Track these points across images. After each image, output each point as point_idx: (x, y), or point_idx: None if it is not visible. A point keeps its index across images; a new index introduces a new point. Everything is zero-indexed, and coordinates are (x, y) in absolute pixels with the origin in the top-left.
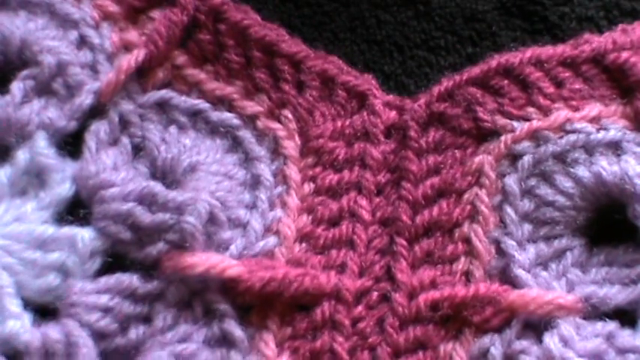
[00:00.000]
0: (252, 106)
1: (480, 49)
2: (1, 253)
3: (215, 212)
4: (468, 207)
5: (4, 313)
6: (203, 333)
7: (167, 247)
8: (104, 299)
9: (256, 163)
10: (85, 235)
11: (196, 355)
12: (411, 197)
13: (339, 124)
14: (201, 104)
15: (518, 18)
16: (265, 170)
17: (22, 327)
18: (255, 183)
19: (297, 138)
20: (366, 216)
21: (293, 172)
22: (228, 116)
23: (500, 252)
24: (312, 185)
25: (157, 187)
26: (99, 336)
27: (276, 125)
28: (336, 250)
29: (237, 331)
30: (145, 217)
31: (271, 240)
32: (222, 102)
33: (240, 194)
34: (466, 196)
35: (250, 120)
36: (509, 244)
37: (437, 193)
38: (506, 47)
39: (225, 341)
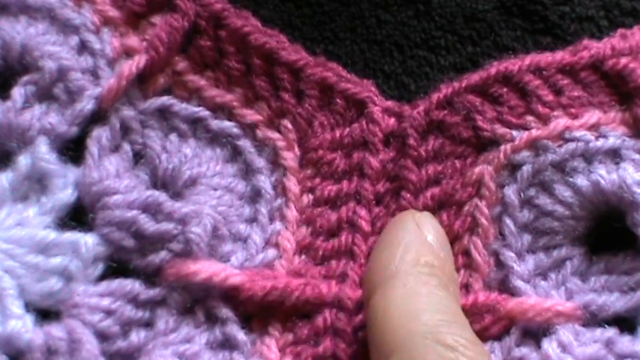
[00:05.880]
0: (251, 115)
1: (481, 49)
2: (2, 257)
3: (218, 227)
4: (469, 219)
5: (6, 313)
6: (205, 336)
7: (170, 256)
8: (106, 302)
9: (257, 175)
10: (88, 240)
11: (199, 356)
12: (411, 208)
13: (337, 134)
14: (202, 112)
15: (519, 18)
16: (266, 183)
17: (23, 327)
18: (255, 195)
19: (296, 149)
20: (366, 226)
21: (292, 185)
22: (228, 125)
23: (499, 263)
24: (310, 197)
25: (162, 196)
26: (101, 337)
27: (275, 135)
28: (336, 261)
29: (239, 334)
30: (148, 225)
31: (271, 253)
32: (222, 109)
33: (240, 208)
34: (466, 207)
35: (250, 129)
36: (508, 255)
37: (437, 205)
38: (506, 47)
39: (227, 344)
